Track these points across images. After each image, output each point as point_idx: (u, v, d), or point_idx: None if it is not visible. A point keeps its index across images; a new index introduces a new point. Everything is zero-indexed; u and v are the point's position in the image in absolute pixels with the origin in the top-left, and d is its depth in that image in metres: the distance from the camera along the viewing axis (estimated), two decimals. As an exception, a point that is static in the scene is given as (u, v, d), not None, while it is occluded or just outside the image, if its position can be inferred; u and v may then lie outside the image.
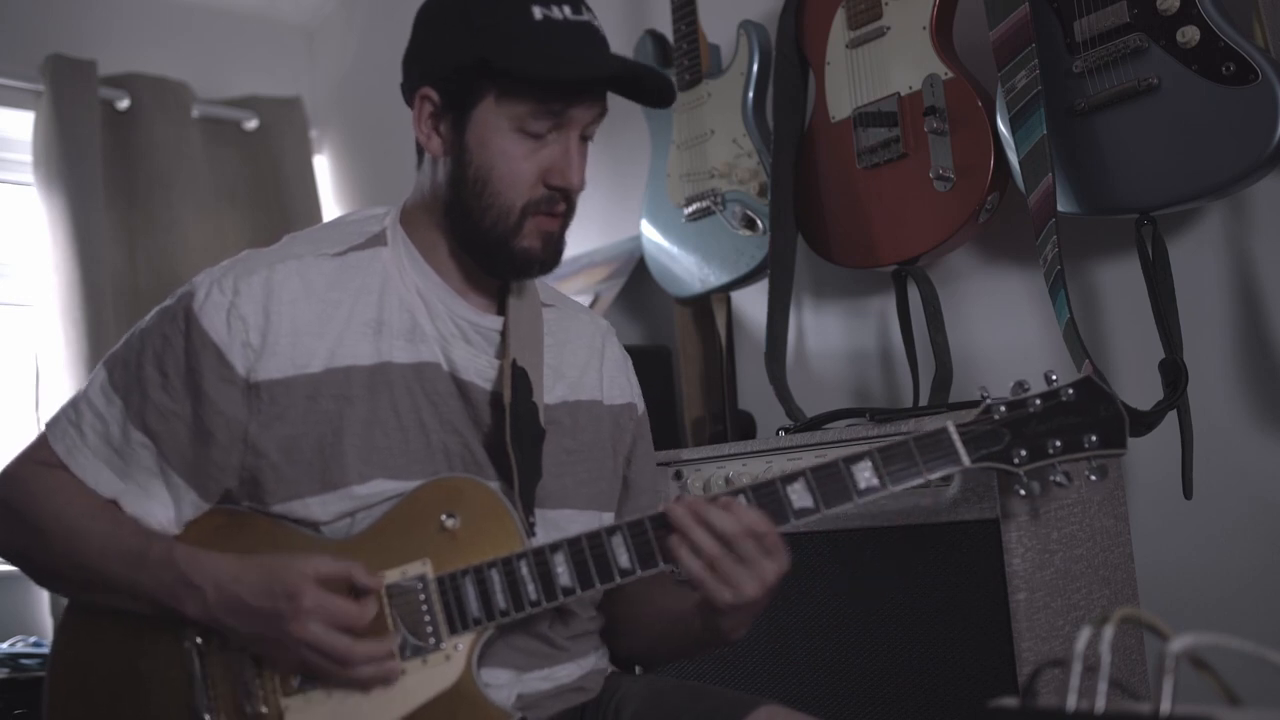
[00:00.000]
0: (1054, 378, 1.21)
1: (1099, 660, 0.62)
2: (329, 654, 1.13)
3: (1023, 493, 1.21)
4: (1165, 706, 0.60)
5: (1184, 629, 0.62)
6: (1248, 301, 1.70)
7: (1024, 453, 1.19)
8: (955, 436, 1.19)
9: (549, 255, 1.28)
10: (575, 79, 1.21)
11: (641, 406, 1.48)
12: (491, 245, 1.26)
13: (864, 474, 1.18)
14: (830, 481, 1.17)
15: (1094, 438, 1.18)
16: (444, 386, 1.27)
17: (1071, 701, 0.62)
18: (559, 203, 1.26)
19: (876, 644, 1.62)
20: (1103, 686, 0.61)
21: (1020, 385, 1.21)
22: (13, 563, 1.29)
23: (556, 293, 1.48)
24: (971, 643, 1.52)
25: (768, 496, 1.17)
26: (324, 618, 1.13)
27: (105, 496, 1.23)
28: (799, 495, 1.17)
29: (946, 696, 1.54)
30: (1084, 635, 0.65)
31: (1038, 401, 1.19)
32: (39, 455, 1.26)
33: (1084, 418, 1.19)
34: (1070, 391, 1.19)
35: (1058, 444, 1.19)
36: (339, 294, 1.25)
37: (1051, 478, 1.20)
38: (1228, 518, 1.70)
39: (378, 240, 1.30)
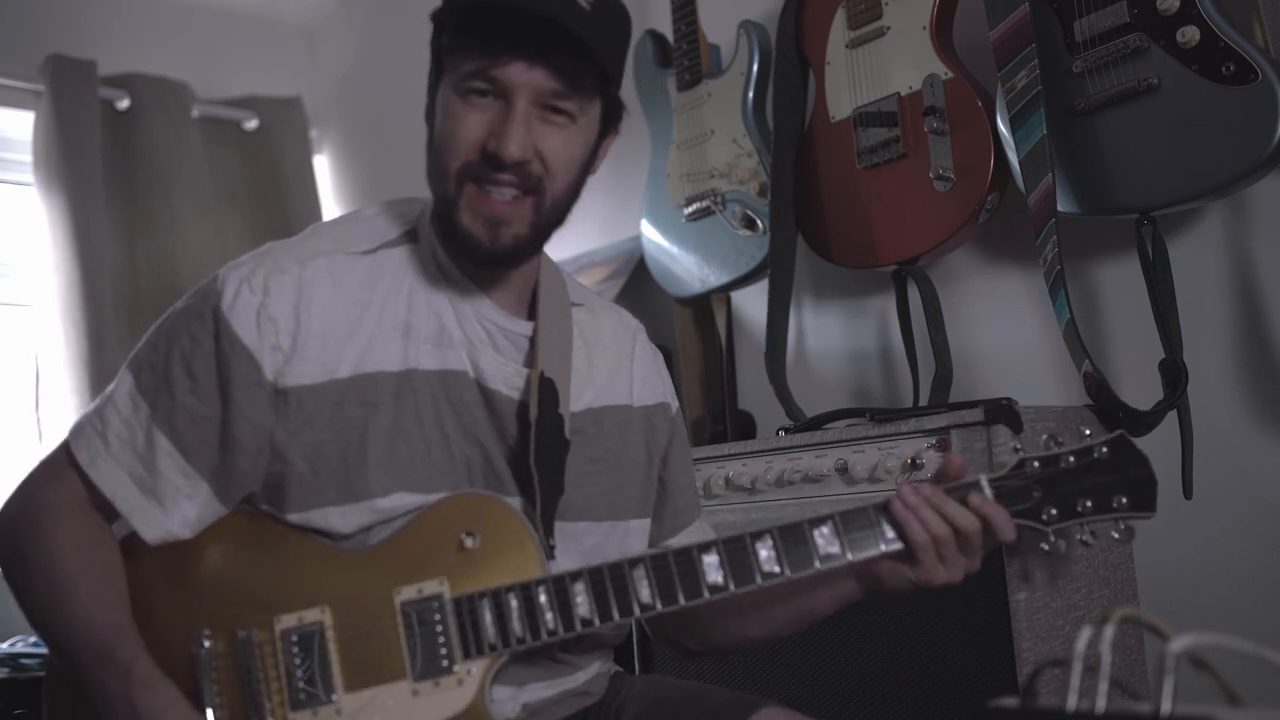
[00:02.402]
0: (1087, 433, 1.20)
1: (1099, 660, 0.62)
2: None
3: (1046, 548, 1.21)
4: (1165, 706, 0.59)
5: (1184, 629, 0.62)
6: (1248, 301, 1.70)
7: (1054, 511, 1.18)
8: (988, 489, 1.18)
9: (496, 244, 1.18)
10: (462, 6, 1.14)
11: (675, 405, 1.42)
12: (444, 220, 1.20)
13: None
14: (857, 528, 1.18)
15: (1124, 499, 1.18)
16: (469, 395, 1.22)
17: (1071, 701, 0.62)
18: (490, 171, 1.15)
19: (876, 644, 1.62)
20: (1103, 686, 0.61)
21: (1054, 439, 1.19)
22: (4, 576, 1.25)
23: (585, 290, 1.42)
24: (971, 643, 1.52)
25: (795, 539, 1.17)
26: None
27: (120, 510, 1.18)
28: (825, 540, 1.16)
29: (946, 696, 1.54)
30: (1084, 635, 0.64)
31: (1071, 458, 1.19)
32: (55, 469, 1.21)
33: (1115, 476, 1.18)
34: (1104, 449, 1.18)
35: (1088, 504, 1.18)
36: (368, 295, 1.20)
37: (1078, 536, 1.20)
38: (1228, 518, 1.70)
39: (409, 237, 1.26)
